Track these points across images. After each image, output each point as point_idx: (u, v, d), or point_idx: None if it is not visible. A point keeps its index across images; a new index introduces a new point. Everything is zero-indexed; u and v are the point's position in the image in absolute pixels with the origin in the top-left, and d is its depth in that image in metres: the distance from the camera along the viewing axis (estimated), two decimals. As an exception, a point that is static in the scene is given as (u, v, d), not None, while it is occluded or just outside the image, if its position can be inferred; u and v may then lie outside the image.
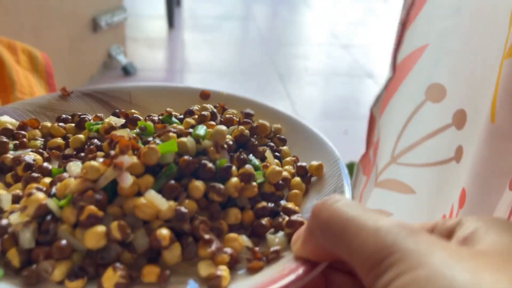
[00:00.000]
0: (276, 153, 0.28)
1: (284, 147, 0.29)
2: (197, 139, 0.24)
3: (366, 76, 2.02)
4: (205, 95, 0.33)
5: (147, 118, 0.29)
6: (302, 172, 0.26)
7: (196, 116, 0.28)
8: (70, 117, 0.30)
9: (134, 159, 0.21)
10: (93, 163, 0.21)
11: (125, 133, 0.24)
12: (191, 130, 0.25)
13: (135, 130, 0.25)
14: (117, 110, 0.30)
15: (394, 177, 0.42)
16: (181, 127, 0.25)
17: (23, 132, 0.27)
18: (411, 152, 0.40)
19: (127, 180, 0.21)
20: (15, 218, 0.20)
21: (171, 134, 0.24)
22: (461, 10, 0.35)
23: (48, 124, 0.29)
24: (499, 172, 0.27)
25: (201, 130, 0.24)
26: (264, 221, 0.23)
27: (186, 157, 0.22)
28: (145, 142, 0.23)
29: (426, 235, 0.15)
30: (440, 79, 0.38)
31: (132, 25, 2.22)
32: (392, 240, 0.14)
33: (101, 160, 0.21)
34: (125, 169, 0.21)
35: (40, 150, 0.26)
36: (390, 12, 2.83)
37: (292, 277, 0.19)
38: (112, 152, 0.21)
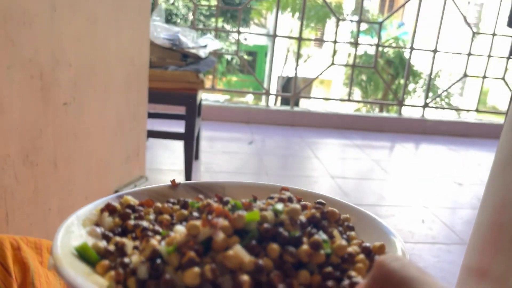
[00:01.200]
0: (344, 236, 0.32)
1: (352, 233, 0.32)
2: (276, 212, 0.29)
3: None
4: (285, 190, 0.39)
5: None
6: (367, 251, 0.29)
7: (276, 199, 0.34)
8: (176, 201, 0.37)
9: (226, 222, 0.27)
10: (195, 222, 0.27)
11: (220, 206, 0.30)
12: (271, 207, 0.30)
13: (228, 206, 0.31)
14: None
15: None
16: (263, 206, 0.31)
17: (141, 208, 0.35)
18: None
19: (220, 236, 0.26)
20: (135, 258, 0.27)
21: (255, 209, 0.29)
22: None
23: (160, 204, 0.36)
24: None
25: (280, 206, 0.30)
26: (330, 283, 0.26)
27: (266, 225, 0.28)
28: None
29: None
30: None
31: (151, 181, 2.33)
32: None
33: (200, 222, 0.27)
34: (218, 228, 0.27)
35: (153, 222, 0.33)
36: (395, 167, 2.95)
37: None
38: (210, 216, 0.28)
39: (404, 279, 0.19)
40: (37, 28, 0.98)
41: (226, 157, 2.92)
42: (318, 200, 0.36)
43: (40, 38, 0.99)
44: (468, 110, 3.59)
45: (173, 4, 9.12)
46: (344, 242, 0.28)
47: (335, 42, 3.24)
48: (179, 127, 2.13)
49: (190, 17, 8.99)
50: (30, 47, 0.97)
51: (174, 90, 1.84)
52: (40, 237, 0.75)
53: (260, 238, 0.28)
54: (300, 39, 3.11)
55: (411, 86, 6.61)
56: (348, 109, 4.66)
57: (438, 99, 3.87)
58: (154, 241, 0.28)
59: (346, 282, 0.26)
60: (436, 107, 3.71)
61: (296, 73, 3.29)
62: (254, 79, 3.62)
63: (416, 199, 2.23)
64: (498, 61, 3.70)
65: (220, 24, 9.11)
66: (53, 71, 1.04)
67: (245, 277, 0.25)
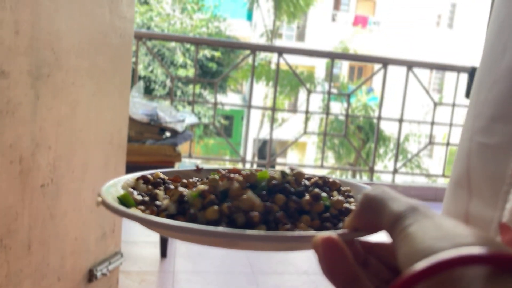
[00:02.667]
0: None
1: (351, 199, 0.36)
2: (284, 174, 0.34)
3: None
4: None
5: None
6: None
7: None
8: (200, 179, 0.42)
9: (241, 177, 0.32)
10: (215, 175, 0.33)
11: (236, 168, 0.36)
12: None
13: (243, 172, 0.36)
14: None
15: None
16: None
17: (170, 181, 0.40)
18: None
19: (235, 185, 0.31)
20: (166, 201, 0.33)
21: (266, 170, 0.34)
22: None
23: (185, 180, 0.40)
24: None
25: (287, 170, 0.35)
26: (328, 224, 0.31)
27: (274, 181, 0.33)
28: None
29: (433, 210, 0.21)
30: None
31: (126, 254, 2.28)
32: (407, 209, 0.21)
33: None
34: (234, 181, 0.32)
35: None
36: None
37: (339, 231, 0.27)
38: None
39: (382, 200, 0.24)
40: (20, 116, 1.02)
41: (202, 226, 2.89)
42: (322, 175, 0.41)
43: (21, 125, 1.03)
44: (436, 176, 3.72)
45: (151, 72, 9.38)
46: (341, 198, 0.34)
47: (306, 112, 3.39)
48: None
49: (168, 83, 9.24)
50: (11, 134, 1.00)
51: (152, 163, 1.88)
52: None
53: (269, 192, 0.33)
54: (273, 109, 3.25)
55: (382, 150, 6.84)
56: (322, 173, 4.76)
57: (408, 163, 4.02)
58: (182, 188, 0.34)
59: (341, 223, 0.31)
60: (406, 173, 3.84)
61: (271, 139, 3.39)
62: (230, 145, 3.69)
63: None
64: (460, 129, 3.91)
65: (197, 91, 9.37)
66: (32, 155, 1.08)
67: (255, 213, 0.30)
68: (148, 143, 1.89)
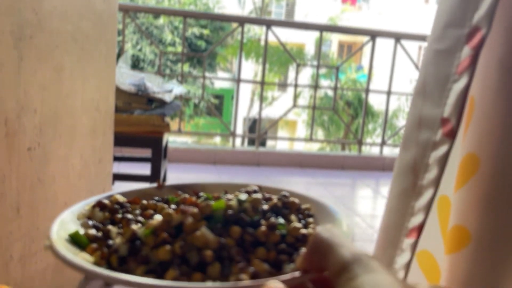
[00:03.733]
0: (302, 221, 0.36)
1: (310, 219, 0.37)
2: (240, 201, 0.34)
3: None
4: (258, 187, 0.43)
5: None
6: None
7: (243, 190, 0.38)
8: (161, 199, 0.41)
9: (196, 209, 0.32)
10: (169, 210, 0.32)
11: (192, 198, 0.35)
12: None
13: (200, 199, 0.36)
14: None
15: None
16: (231, 197, 0.35)
17: (128, 204, 0.39)
18: None
19: (189, 220, 0.31)
20: (118, 240, 0.32)
21: (223, 199, 0.34)
22: None
23: (145, 202, 0.40)
24: None
25: (244, 196, 0.35)
26: (283, 257, 0.31)
27: (230, 211, 0.33)
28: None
29: (378, 262, 0.23)
30: None
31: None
32: (353, 259, 0.23)
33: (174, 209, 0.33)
34: (188, 214, 0.31)
35: (138, 216, 0.37)
36: (357, 203, 3.04)
37: (289, 275, 0.27)
38: (182, 205, 0.33)
39: (330, 245, 0.25)
40: (3, 77, 1.01)
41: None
42: (282, 193, 0.40)
43: (5, 87, 1.02)
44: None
45: (140, 50, 9.25)
46: (298, 224, 0.34)
47: (296, 86, 3.39)
48: (145, 169, 2.15)
49: (157, 62, 9.13)
50: (-4, 95, 0.99)
51: (140, 134, 1.88)
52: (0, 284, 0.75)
53: (225, 223, 0.32)
54: (262, 83, 3.24)
55: (371, 126, 6.88)
56: (312, 148, 4.80)
57: (396, 137, 4.06)
58: (135, 226, 0.33)
59: (296, 255, 0.32)
60: (394, 145, 3.89)
61: (260, 115, 3.40)
62: (220, 121, 3.69)
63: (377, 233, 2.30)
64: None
65: (186, 69, 9.28)
66: (18, 118, 1.07)
67: (208, 252, 0.30)
68: (136, 113, 1.88)
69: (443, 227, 0.37)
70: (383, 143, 3.62)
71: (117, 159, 2.08)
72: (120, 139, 1.79)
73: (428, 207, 0.33)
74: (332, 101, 3.62)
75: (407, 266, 0.35)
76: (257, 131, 3.47)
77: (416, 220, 0.34)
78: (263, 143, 4.01)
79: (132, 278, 0.27)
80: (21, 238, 1.14)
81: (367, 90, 3.35)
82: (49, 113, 1.18)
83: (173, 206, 0.38)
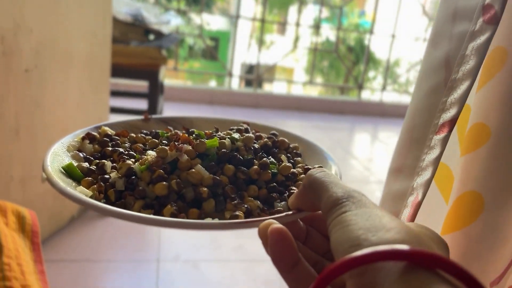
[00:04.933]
0: (291, 161, 0.37)
1: (298, 158, 0.38)
2: (233, 140, 0.34)
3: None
4: (246, 124, 0.44)
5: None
6: (307, 171, 0.34)
7: (235, 129, 0.38)
8: (148, 132, 0.41)
9: (190, 147, 0.32)
10: (163, 147, 0.32)
11: (185, 135, 0.34)
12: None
13: (192, 136, 0.35)
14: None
15: None
16: (223, 135, 0.36)
17: (117, 137, 0.38)
18: None
19: (184, 157, 0.31)
20: (114, 174, 0.31)
21: (216, 137, 0.34)
22: None
23: (134, 134, 0.40)
24: None
25: (236, 135, 0.35)
26: (274, 194, 0.32)
27: (223, 149, 0.33)
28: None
29: (368, 199, 0.23)
30: None
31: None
32: (346, 196, 0.23)
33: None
34: (183, 151, 0.31)
35: (128, 149, 0.37)
36: (355, 147, 3.06)
37: (283, 214, 0.28)
38: (176, 143, 0.32)
39: (323, 183, 0.25)
40: (-3, -7, 0.96)
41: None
42: (272, 132, 0.41)
43: (0, 4, 0.98)
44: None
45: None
46: (288, 164, 0.34)
47: (297, 24, 3.29)
48: (142, 105, 2.12)
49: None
50: (-11, 11, 0.95)
51: (137, 66, 1.84)
52: (2, 205, 0.75)
53: (219, 161, 0.33)
54: (263, 21, 3.14)
55: (372, 74, 6.80)
56: (312, 92, 4.75)
57: (396, 85, 4.01)
58: (130, 161, 0.32)
59: (286, 194, 0.32)
60: (394, 91, 3.85)
61: (259, 55, 3.32)
62: (216, 66, 3.63)
63: (374, 176, 2.34)
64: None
65: (182, 7, 8.94)
66: (14, 36, 1.03)
67: (204, 189, 0.30)
68: (133, 45, 1.83)
69: (460, 133, 0.36)
70: (384, 88, 3.58)
71: (112, 94, 2.05)
72: (117, 71, 1.75)
73: (463, 100, 0.32)
74: (334, 45, 3.53)
75: (436, 161, 0.34)
76: (256, 72, 3.41)
77: (448, 115, 0.33)
78: (259, 84, 3.95)
79: (135, 214, 0.26)
80: (20, 161, 1.13)
81: (370, 32, 3.26)
82: (46, 34, 1.14)
83: (164, 142, 0.37)
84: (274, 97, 3.55)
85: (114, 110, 2.01)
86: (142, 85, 2.93)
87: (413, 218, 0.35)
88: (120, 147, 0.37)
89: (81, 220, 1.68)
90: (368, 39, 3.32)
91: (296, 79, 5.17)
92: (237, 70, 4.35)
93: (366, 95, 3.88)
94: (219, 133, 0.38)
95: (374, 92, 3.91)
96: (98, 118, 1.53)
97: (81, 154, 0.35)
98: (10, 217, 0.77)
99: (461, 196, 0.31)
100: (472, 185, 0.30)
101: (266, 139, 0.37)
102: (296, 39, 3.52)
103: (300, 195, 0.28)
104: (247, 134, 0.35)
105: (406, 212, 0.37)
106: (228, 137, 0.35)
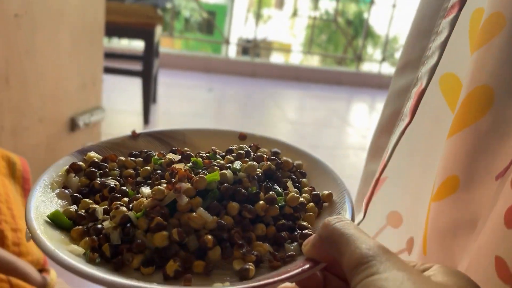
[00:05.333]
0: (297, 184, 0.35)
1: (304, 179, 0.36)
2: (235, 171, 0.31)
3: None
4: (242, 136, 0.41)
5: (197, 154, 0.36)
6: (316, 199, 0.33)
7: (235, 154, 0.35)
8: (138, 153, 0.38)
9: (189, 185, 0.29)
10: (160, 187, 0.29)
11: (182, 166, 0.31)
12: (230, 165, 0.32)
13: (189, 164, 0.33)
14: (174, 148, 0.38)
15: None
16: (223, 162, 0.33)
17: (105, 164, 0.35)
18: None
19: (184, 200, 0.28)
20: (107, 224, 0.28)
21: (215, 167, 0.31)
22: (414, 153, 0.42)
23: (123, 158, 0.37)
24: None
25: (238, 164, 0.32)
26: (283, 233, 0.29)
27: (226, 184, 0.30)
28: (196, 174, 0.31)
29: (396, 256, 0.21)
30: (398, 207, 0.43)
31: (108, 121, 2.28)
32: (371, 254, 0.21)
33: (165, 185, 0.29)
34: (182, 192, 0.29)
35: (118, 178, 0.34)
36: (352, 116, 3.04)
37: (299, 270, 0.25)
38: (173, 180, 0.29)
39: (344, 236, 0.23)
40: None
41: (184, 102, 2.90)
42: (274, 150, 0.38)
43: None
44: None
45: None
46: (296, 194, 0.32)
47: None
48: (136, 67, 2.08)
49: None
50: None
51: (132, 24, 1.79)
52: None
53: (221, 196, 0.30)
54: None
55: (370, 50, 6.74)
56: (311, 62, 4.71)
57: (394, 59, 3.98)
58: (123, 208, 0.29)
59: (298, 233, 0.30)
60: (393, 64, 3.82)
61: (256, 29, 3.26)
62: (213, 40, 3.56)
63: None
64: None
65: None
66: (2, -24, 0.98)
67: (209, 237, 0.27)
68: (128, 2, 1.77)
69: (472, 30, 0.34)
70: (383, 60, 3.54)
71: (107, 56, 2.00)
72: (112, 30, 1.70)
73: None
74: (333, 16, 3.47)
75: (443, 44, 0.32)
76: (253, 40, 3.36)
77: None
78: (257, 54, 3.90)
79: (136, 284, 0.24)
80: (12, 110, 1.10)
81: (371, 1, 3.20)
82: (35, -22, 1.09)
83: (158, 171, 0.34)
84: (272, 66, 3.50)
85: (109, 70, 1.96)
86: (137, 50, 2.87)
87: (415, 107, 0.34)
88: (109, 175, 0.34)
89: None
90: (368, 12, 3.26)
91: (293, 58, 5.10)
92: (233, 51, 4.30)
93: (365, 68, 3.84)
94: (218, 159, 0.35)
95: (372, 62, 3.86)
96: (92, 75, 1.49)
97: (67, 191, 0.32)
98: (0, 162, 0.75)
99: (471, 92, 0.30)
100: (483, 79, 0.29)
101: (269, 163, 0.34)
102: (295, 12, 3.45)
103: (316, 245, 0.26)
104: (249, 162, 0.33)
105: (409, 105, 0.35)
106: (230, 169, 0.32)
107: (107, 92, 2.79)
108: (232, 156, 0.35)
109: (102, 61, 1.54)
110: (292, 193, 0.32)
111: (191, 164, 0.33)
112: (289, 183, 0.34)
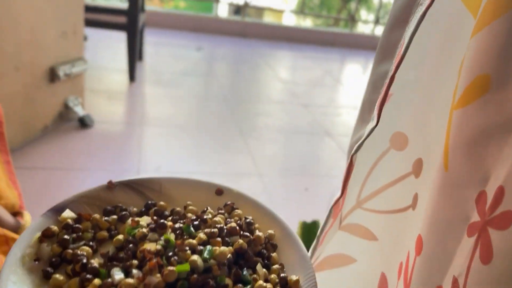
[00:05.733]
0: (266, 261, 0.36)
1: (274, 254, 0.37)
2: (205, 260, 0.33)
3: (325, 135, 2.07)
4: (219, 191, 0.42)
5: (172, 213, 0.39)
6: (283, 282, 0.34)
7: (208, 231, 0.36)
8: (113, 209, 0.39)
9: (159, 278, 0.30)
10: (129, 280, 0.30)
11: (154, 247, 0.33)
12: (201, 247, 0.33)
13: (161, 242, 0.34)
14: (150, 202, 0.40)
15: (358, 222, 0.42)
16: (194, 242, 0.34)
17: (79, 226, 0.36)
18: (375, 198, 0.40)
19: None
20: None
21: (186, 252, 0.32)
22: (423, 63, 0.37)
23: (97, 216, 0.37)
24: (455, 219, 0.27)
25: (208, 253, 0.33)
26: None
27: (195, 275, 0.31)
28: (168, 258, 0.32)
29: None
30: (403, 128, 0.39)
31: (92, 77, 2.20)
32: None
33: (135, 272, 0.30)
34: (152, 287, 0.30)
35: (91, 243, 0.34)
36: (345, 76, 2.99)
37: None
38: (144, 268, 0.31)
39: None
40: None
41: (172, 60, 2.81)
42: (248, 220, 0.39)
43: None
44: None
45: None
46: (264, 284, 0.33)
47: None
48: (120, 20, 1.98)
49: None
50: None
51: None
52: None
53: (190, 286, 0.31)
54: None
55: (364, 15, 6.60)
56: (304, 23, 4.60)
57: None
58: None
59: None
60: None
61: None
62: (203, 6, 3.42)
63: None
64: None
65: None
66: None
67: None
68: None
69: None
70: (377, 21, 3.46)
71: (91, 9, 1.90)
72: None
73: None
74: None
75: None
76: (244, 3, 3.24)
77: None
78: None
79: None
80: (-17, 56, 1.03)
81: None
82: None
83: (131, 245, 0.35)
84: (264, 26, 3.40)
85: (92, 23, 1.87)
86: (122, 6, 2.75)
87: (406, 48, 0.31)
88: (82, 239, 0.35)
89: (56, 131, 1.59)
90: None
91: (286, 14, 4.97)
92: (224, 10, 4.15)
93: (358, 30, 3.75)
94: (191, 232, 0.36)
95: (367, 24, 3.77)
96: (72, 23, 1.40)
97: (37, 264, 0.33)
98: None
99: None
100: None
101: (241, 241, 0.36)
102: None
103: None
104: (220, 248, 0.34)
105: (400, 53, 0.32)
106: (201, 255, 0.33)
107: (92, 49, 2.69)
108: (204, 233, 0.36)
109: (82, 9, 1.46)
110: (260, 282, 0.33)
111: (163, 242, 0.34)
112: (259, 266, 0.35)
